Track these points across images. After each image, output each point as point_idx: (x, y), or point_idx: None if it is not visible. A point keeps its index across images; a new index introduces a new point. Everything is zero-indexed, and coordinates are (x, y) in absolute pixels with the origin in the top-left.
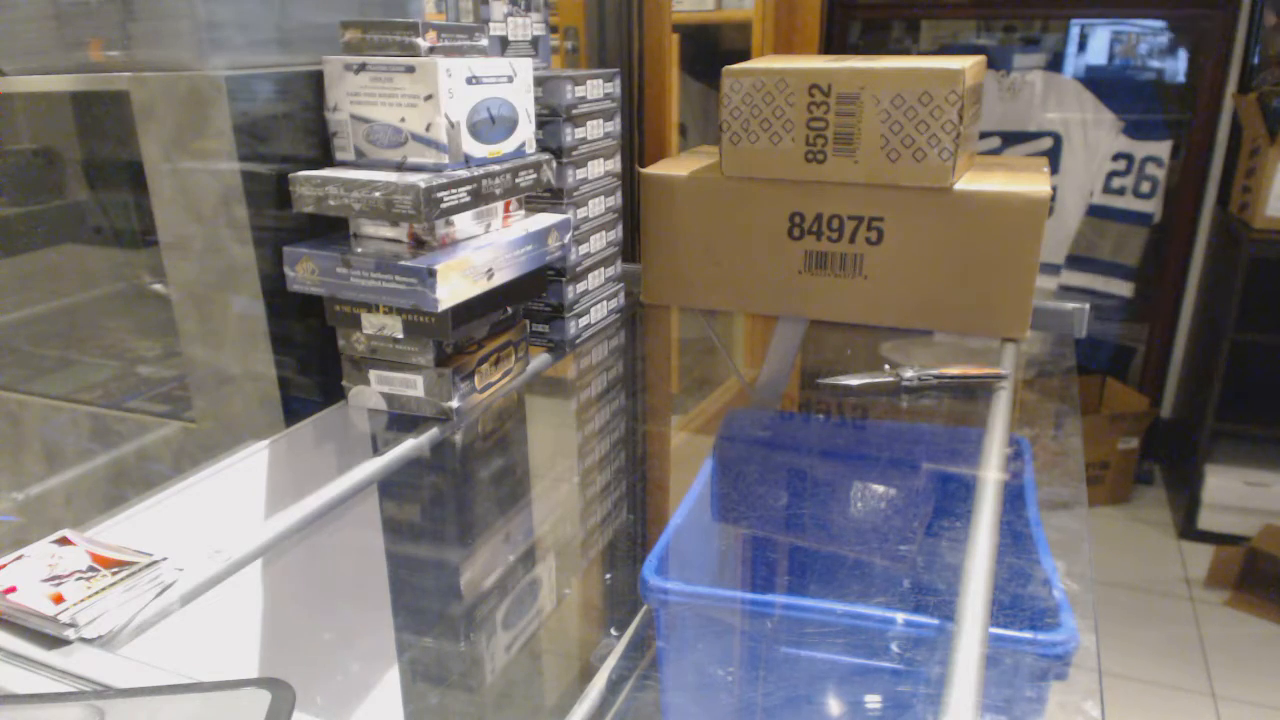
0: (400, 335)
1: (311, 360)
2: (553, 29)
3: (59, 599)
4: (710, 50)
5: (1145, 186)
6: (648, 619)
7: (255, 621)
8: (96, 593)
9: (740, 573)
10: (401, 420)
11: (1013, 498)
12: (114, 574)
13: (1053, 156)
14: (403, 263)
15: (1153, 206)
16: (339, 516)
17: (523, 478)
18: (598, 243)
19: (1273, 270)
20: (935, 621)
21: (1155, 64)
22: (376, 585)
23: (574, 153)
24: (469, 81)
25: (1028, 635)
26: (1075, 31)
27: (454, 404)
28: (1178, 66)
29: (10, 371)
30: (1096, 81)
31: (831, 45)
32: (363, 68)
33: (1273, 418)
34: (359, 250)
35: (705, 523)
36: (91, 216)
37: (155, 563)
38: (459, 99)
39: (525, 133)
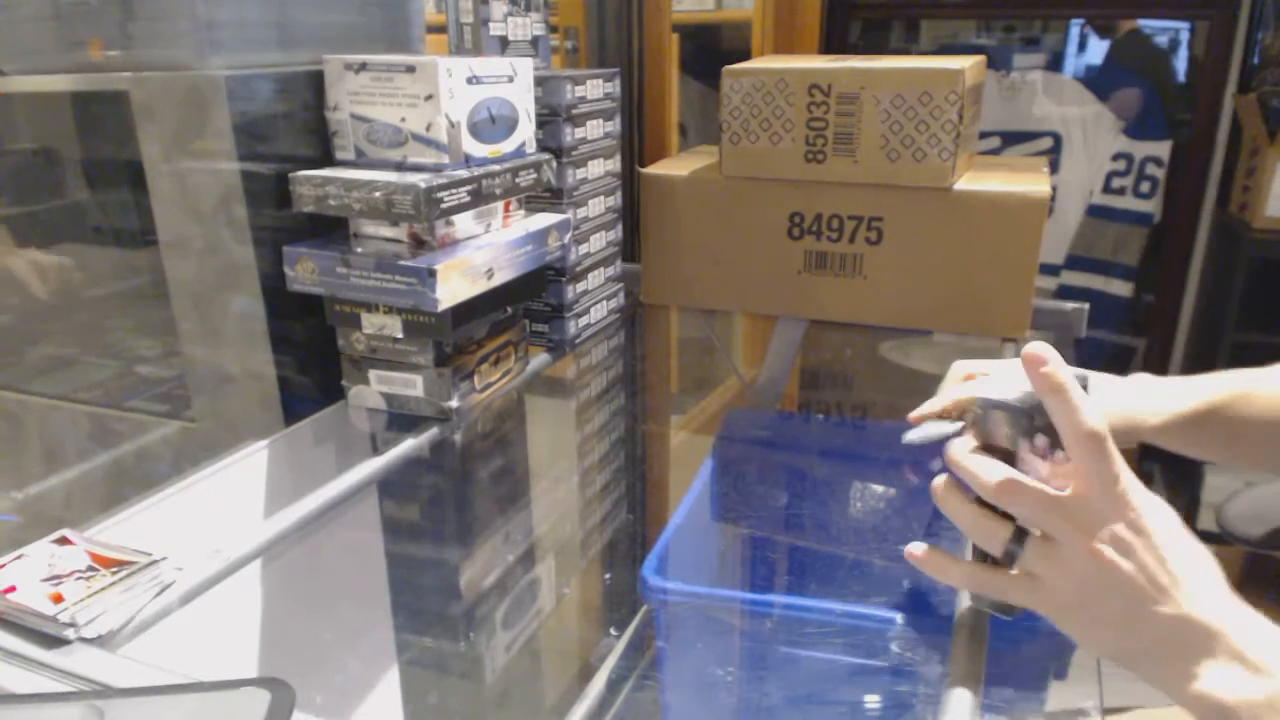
0: (400, 335)
1: (311, 360)
2: (553, 29)
3: (59, 599)
4: (710, 50)
5: (1145, 186)
6: (648, 619)
7: (255, 621)
8: (96, 592)
9: (740, 573)
10: (401, 420)
11: None
12: (114, 574)
13: (1053, 156)
14: (403, 263)
15: (1153, 206)
16: (339, 516)
17: (523, 478)
18: (598, 243)
19: (1273, 270)
20: (935, 621)
21: (1155, 64)
22: (376, 585)
23: (574, 153)
24: (469, 81)
25: (1028, 635)
26: (1075, 31)
27: (454, 404)
28: (1178, 66)
29: (10, 371)
30: (1096, 82)
31: (831, 45)
32: (363, 67)
33: None
34: (359, 250)
35: (705, 523)
36: (91, 216)
37: (155, 562)
38: (459, 99)
39: (525, 133)
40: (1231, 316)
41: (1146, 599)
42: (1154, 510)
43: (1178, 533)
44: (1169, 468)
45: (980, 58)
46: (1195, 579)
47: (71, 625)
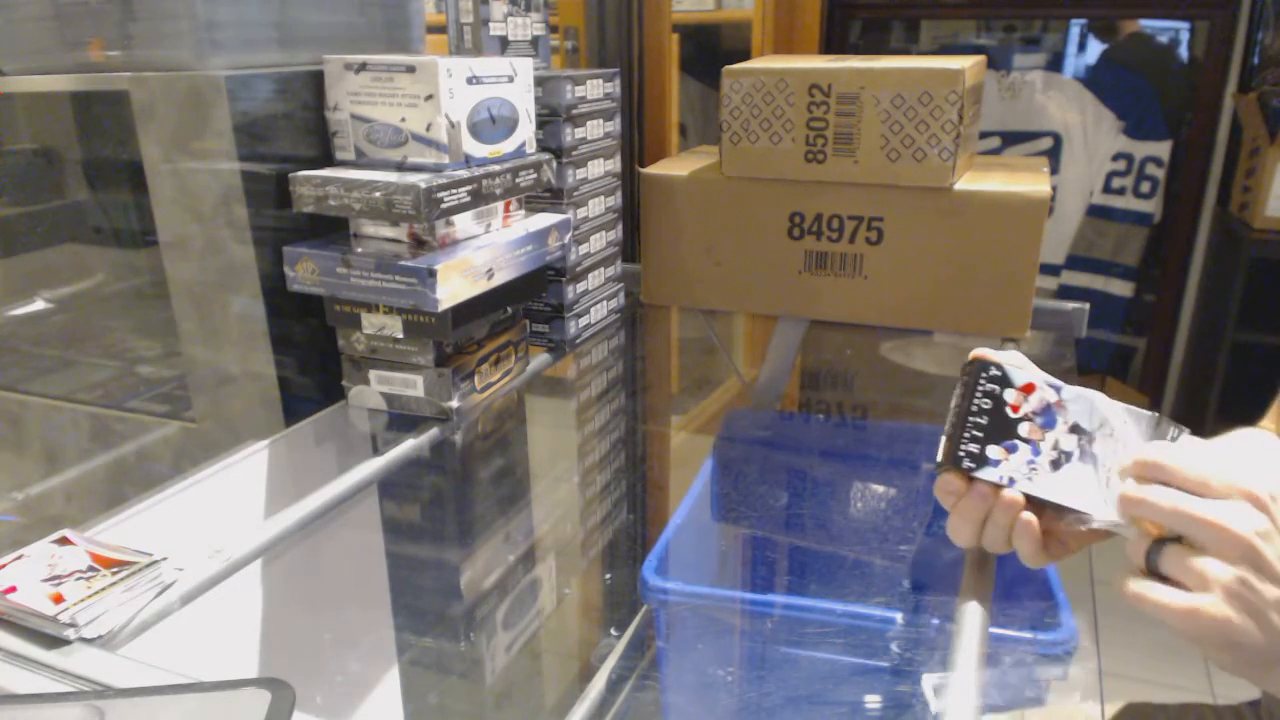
0: (400, 335)
1: (311, 360)
2: (553, 29)
3: (59, 599)
4: (710, 50)
5: (1145, 186)
6: (648, 619)
7: (255, 621)
8: (96, 593)
9: (740, 573)
10: (401, 420)
11: None
12: (114, 574)
13: (1053, 156)
14: (403, 263)
15: (1153, 206)
16: (339, 516)
17: (523, 478)
18: (598, 243)
19: (1273, 270)
20: (936, 621)
21: (1155, 64)
22: (376, 585)
23: (574, 153)
24: (469, 81)
25: (1028, 635)
26: (1075, 31)
27: (454, 404)
28: (1178, 66)
29: (10, 371)
30: (1096, 81)
31: (831, 45)
32: (363, 67)
33: None
34: (359, 250)
35: (705, 523)
36: (91, 216)
37: (155, 563)
38: (459, 99)
39: (525, 133)
40: (1231, 316)
41: None
42: None
43: None
44: None
45: (980, 58)
46: None
47: (72, 625)
